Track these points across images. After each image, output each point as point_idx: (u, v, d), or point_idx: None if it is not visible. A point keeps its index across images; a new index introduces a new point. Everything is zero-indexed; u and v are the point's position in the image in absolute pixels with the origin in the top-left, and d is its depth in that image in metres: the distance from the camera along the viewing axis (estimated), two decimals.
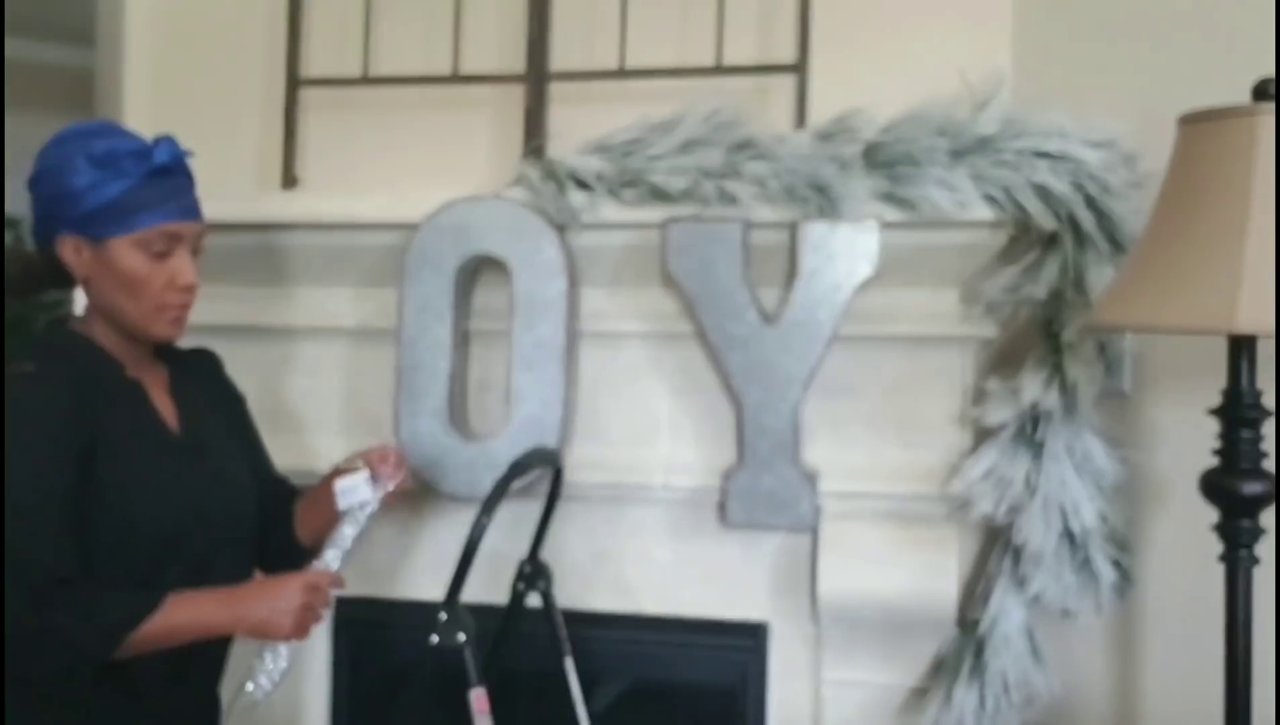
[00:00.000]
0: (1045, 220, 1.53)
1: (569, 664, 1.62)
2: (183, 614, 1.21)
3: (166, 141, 1.29)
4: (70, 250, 1.27)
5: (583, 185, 1.64)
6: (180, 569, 1.27)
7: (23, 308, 2.86)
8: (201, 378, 1.47)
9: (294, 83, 1.87)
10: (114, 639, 1.16)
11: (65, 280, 1.33)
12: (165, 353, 1.40)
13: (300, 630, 1.25)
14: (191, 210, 1.32)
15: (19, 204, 3.46)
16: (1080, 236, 1.54)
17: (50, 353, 1.29)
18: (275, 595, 1.25)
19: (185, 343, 1.67)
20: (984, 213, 1.55)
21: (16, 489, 1.16)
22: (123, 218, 1.25)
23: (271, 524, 1.47)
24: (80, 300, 1.38)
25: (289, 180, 1.87)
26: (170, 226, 1.28)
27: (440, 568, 1.81)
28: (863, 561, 1.65)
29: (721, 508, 1.67)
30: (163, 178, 1.28)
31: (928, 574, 1.63)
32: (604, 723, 1.74)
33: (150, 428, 1.31)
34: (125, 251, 1.26)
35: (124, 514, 1.24)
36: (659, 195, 1.63)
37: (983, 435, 1.63)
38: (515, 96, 1.80)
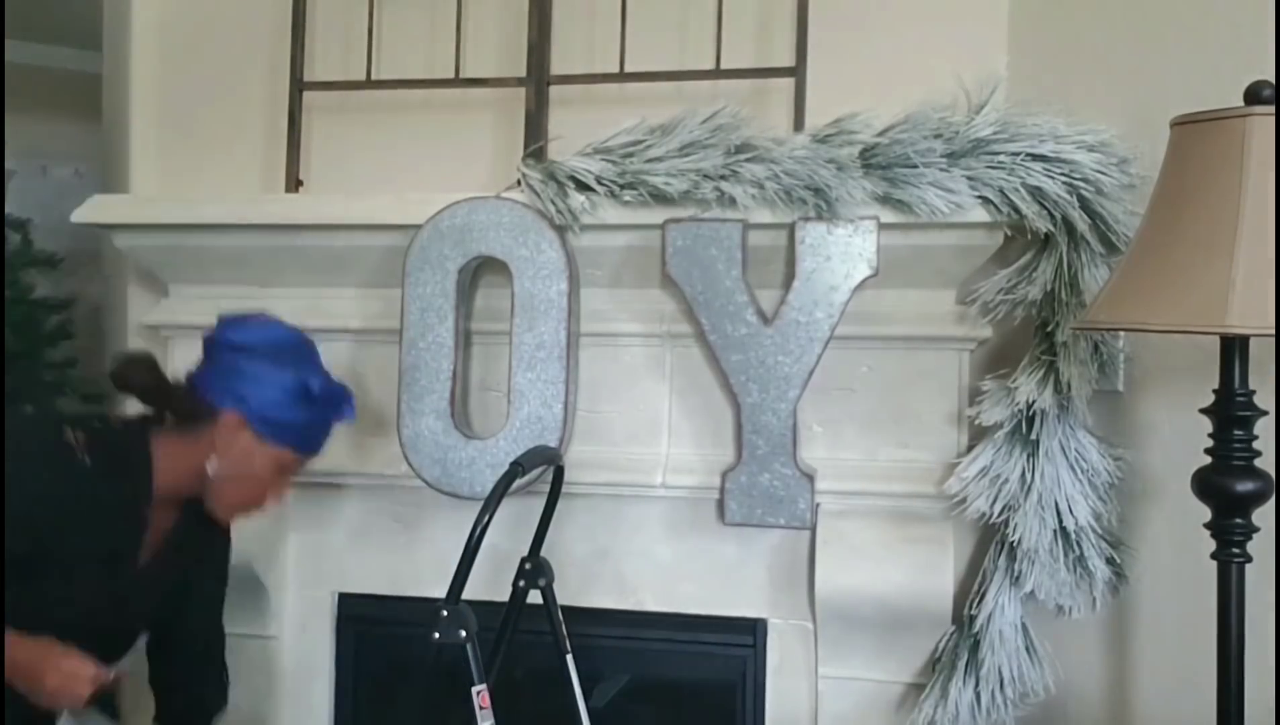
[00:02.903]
0: (1040, 222, 1.54)
1: (570, 660, 1.63)
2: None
3: (351, 402, 1.43)
4: (231, 426, 1.35)
5: (583, 187, 1.66)
6: (55, 633, 1.25)
7: (28, 307, 2.88)
8: (203, 543, 1.51)
9: (298, 86, 1.89)
10: None
11: (173, 412, 1.37)
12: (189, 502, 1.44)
13: (49, 701, 1.23)
14: (324, 446, 1.45)
15: (19, 204, 3.49)
16: (1074, 238, 1.55)
17: (111, 451, 1.32)
18: (68, 674, 1.23)
19: (186, 339, 1.70)
20: (979, 215, 1.57)
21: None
22: (292, 438, 1.38)
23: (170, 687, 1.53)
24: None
25: (293, 182, 1.89)
26: (309, 458, 1.42)
27: (442, 565, 1.83)
28: (860, 559, 1.66)
29: (720, 506, 1.69)
30: (332, 425, 1.43)
31: (924, 571, 1.65)
32: (604, 718, 1.76)
33: (120, 555, 1.35)
34: (268, 457, 1.37)
35: (37, 605, 1.26)
36: (659, 197, 1.64)
37: (978, 434, 1.64)
38: (516, 99, 1.82)
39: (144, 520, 1.36)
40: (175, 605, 1.47)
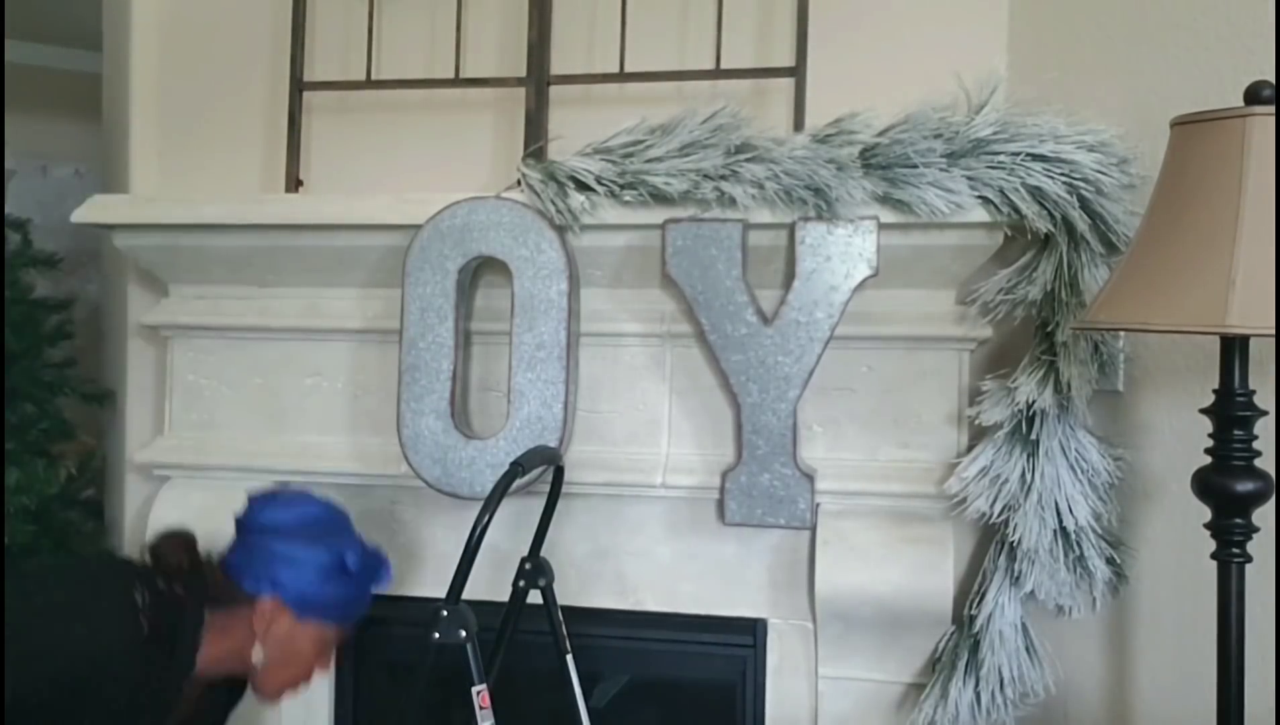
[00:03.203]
0: (1040, 222, 1.54)
1: (570, 660, 1.63)
2: None
3: (389, 567, 1.43)
4: (269, 611, 1.33)
5: (583, 187, 1.66)
6: None
7: (27, 307, 2.88)
8: (225, 705, 1.49)
9: (298, 86, 1.89)
10: None
11: (191, 582, 1.32)
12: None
13: None
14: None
15: (19, 204, 3.48)
16: (1074, 238, 1.55)
17: (171, 621, 1.28)
18: None
19: (186, 339, 1.69)
20: (979, 215, 1.57)
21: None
22: (333, 615, 1.38)
23: None
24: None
25: (293, 182, 1.89)
26: (350, 628, 1.42)
27: (442, 565, 1.83)
28: (859, 559, 1.66)
29: (720, 506, 1.69)
30: (368, 593, 1.42)
31: (924, 571, 1.65)
32: (604, 718, 1.76)
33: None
34: (313, 641, 1.37)
35: None
36: (659, 197, 1.64)
37: (978, 434, 1.65)
38: (516, 99, 1.82)
39: (181, 696, 1.32)
40: None
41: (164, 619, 1.28)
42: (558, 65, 1.81)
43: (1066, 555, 1.59)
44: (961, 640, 1.64)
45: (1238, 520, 1.30)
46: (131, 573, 1.30)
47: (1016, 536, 1.58)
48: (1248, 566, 1.30)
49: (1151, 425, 1.60)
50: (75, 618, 1.21)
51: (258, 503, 1.39)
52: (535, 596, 1.63)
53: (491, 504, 1.36)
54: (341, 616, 1.40)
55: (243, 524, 1.38)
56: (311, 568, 1.34)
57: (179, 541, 1.36)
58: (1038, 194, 1.54)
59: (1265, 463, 1.31)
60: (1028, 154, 1.53)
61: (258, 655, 1.34)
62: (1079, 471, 1.57)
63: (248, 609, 1.34)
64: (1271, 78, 1.26)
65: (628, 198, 1.65)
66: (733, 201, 1.62)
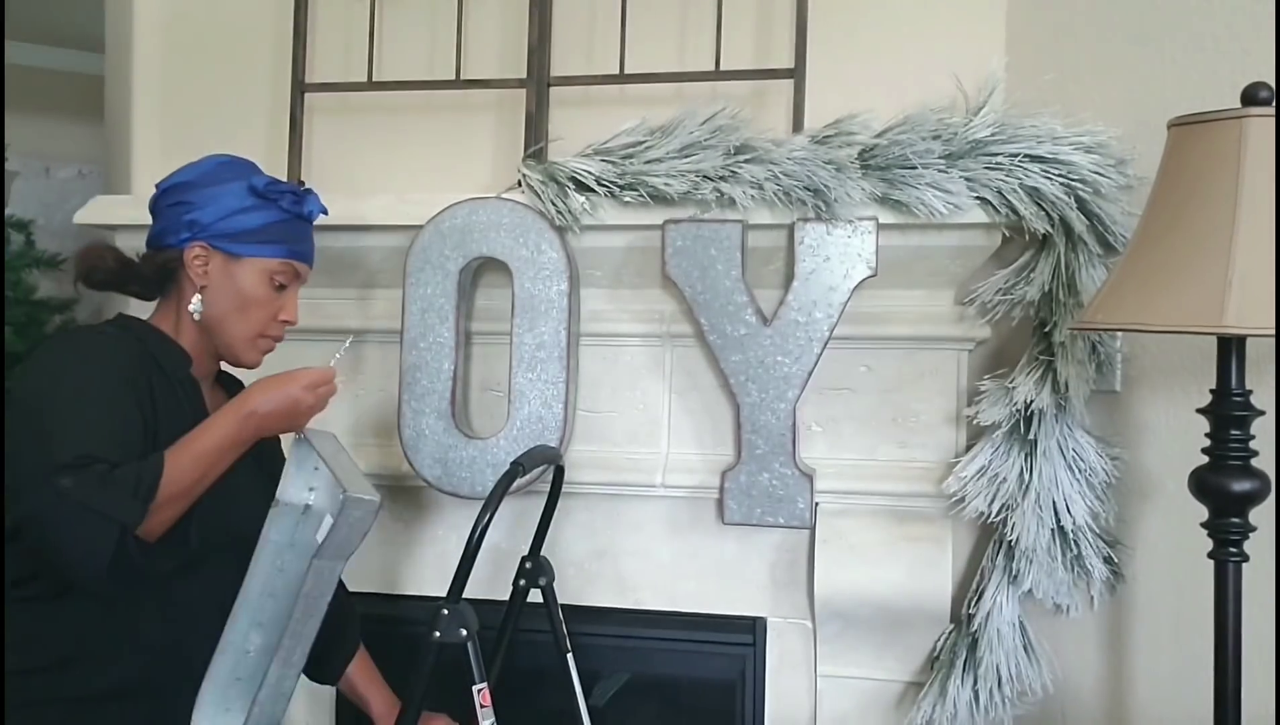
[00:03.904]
0: (1038, 223, 1.55)
1: (570, 659, 1.64)
2: (188, 452, 1.19)
3: (315, 196, 1.43)
4: (198, 258, 1.34)
5: (583, 188, 1.67)
6: (172, 562, 1.25)
7: (30, 308, 2.89)
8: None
9: (299, 87, 1.90)
10: (144, 499, 1.14)
11: (144, 284, 1.38)
12: (222, 378, 1.46)
13: (319, 403, 1.30)
14: (312, 256, 1.45)
15: (22, 205, 3.48)
16: (1072, 238, 1.56)
17: (124, 328, 1.34)
18: (275, 386, 1.27)
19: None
20: (977, 215, 1.57)
21: (65, 387, 1.19)
22: (264, 244, 1.36)
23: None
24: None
25: (294, 183, 1.89)
26: (298, 264, 1.40)
27: (443, 564, 1.84)
28: (859, 558, 1.67)
29: (720, 505, 1.69)
30: (304, 225, 1.42)
31: (923, 570, 1.65)
32: (604, 717, 1.76)
33: (195, 422, 1.30)
34: (253, 274, 1.36)
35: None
36: (658, 198, 1.65)
37: (977, 434, 1.65)
38: (517, 101, 1.82)
39: (191, 383, 1.34)
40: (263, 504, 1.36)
41: (134, 340, 1.30)
42: (558, 66, 1.82)
43: (1064, 554, 1.59)
44: (960, 639, 1.65)
45: (1235, 519, 1.31)
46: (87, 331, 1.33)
47: (1014, 535, 1.59)
48: (1245, 566, 1.31)
49: (1149, 425, 1.60)
50: (80, 367, 1.22)
51: (162, 182, 1.39)
52: (535, 595, 1.63)
53: (492, 503, 1.36)
54: (273, 242, 1.36)
55: (155, 202, 1.39)
56: (221, 202, 1.34)
57: (98, 248, 1.38)
58: (1036, 195, 1.54)
59: (1262, 462, 1.31)
60: (1026, 155, 1.54)
61: (198, 306, 1.34)
62: (1077, 471, 1.58)
63: (181, 270, 1.34)
64: (1269, 79, 1.26)
65: (628, 198, 1.66)
66: (732, 202, 1.62)
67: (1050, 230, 1.56)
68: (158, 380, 1.30)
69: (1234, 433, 1.31)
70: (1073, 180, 1.53)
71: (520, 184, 1.71)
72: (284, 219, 1.38)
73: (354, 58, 1.92)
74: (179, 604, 1.30)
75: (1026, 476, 1.58)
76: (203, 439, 1.22)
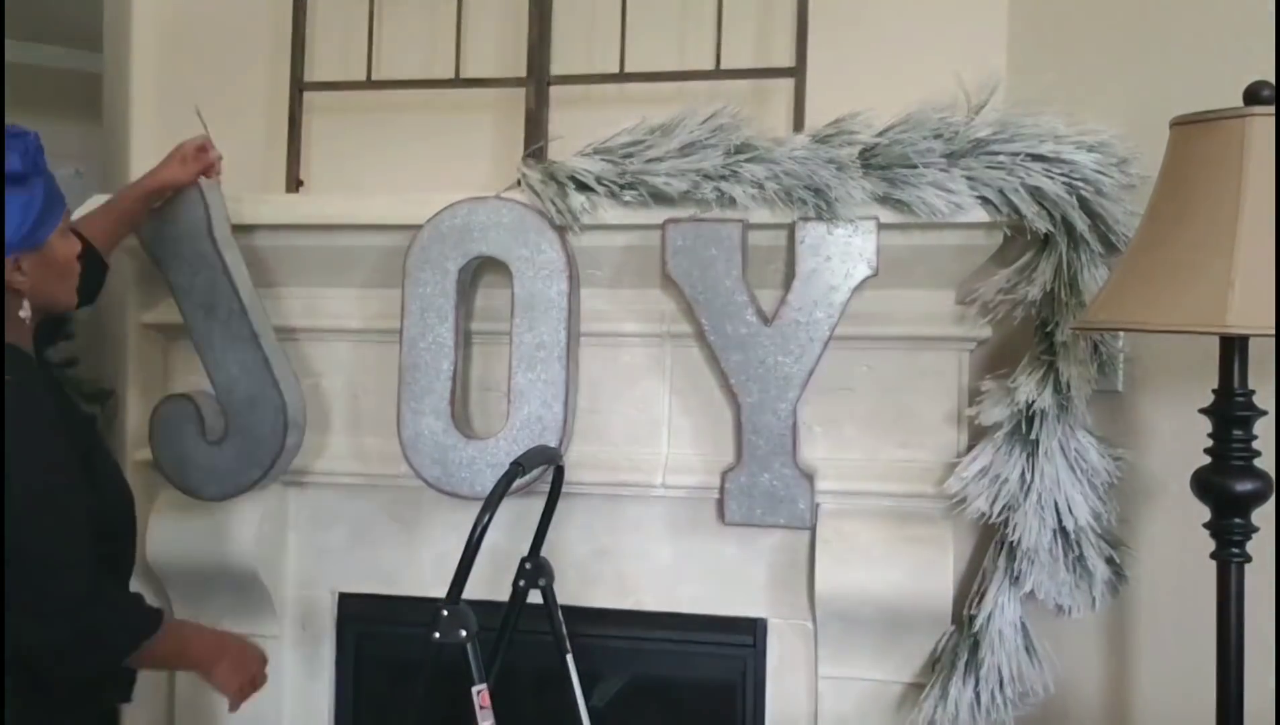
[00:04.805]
0: (1039, 222, 1.54)
1: (570, 660, 1.64)
2: (174, 640, 1.32)
3: (22, 136, 1.24)
4: (13, 270, 1.24)
5: (583, 187, 1.66)
6: (119, 548, 1.35)
7: None
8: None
9: (298, 86, 1.89)
10: (136, 642, 1.24)
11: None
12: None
13: (239, 695, 1.39)
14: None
15: None
16: (1074, 238, 1.55)
17: (14, 364, 1.25)
18: (242, 661, 1.39)
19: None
20: (979, 215, 1.57)
21: (41, 501, 1.18)
22: (53, 212, 1.26)
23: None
24: None
25: (293, 182, 1.89)
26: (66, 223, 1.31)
27: (442, 565, 1.83)
28: (859, 559, 1.66)
29: (720, 506, 1.69)
30: (43, 158, 1.26)
31: (924, 571, 1.65)
32: (604, 718, 1.76)
33: (87, 422, 1.38)
34: (58, 241, 1.28)
35: (112, 502, 1.32)
36: (659, 197, 1.65)
37: (978, 434, 1.65)
38: (517, 100, 1.82)
39: (45, 366, 1.36)
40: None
41: (19, 372, 1.24)
42: (558, 65, 1.81)
43: (1066, 555, 1.59)
44: (961, 640, 1.64)
45: (1237, 520, 1.31)
46: None
47: (1016, 536, 1.59)
48: (1247, 566, 1.31)
49: (1151, 425, 1.60)
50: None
51: None
52: (535, 596, 1.63)
53: (492, 504, 1.36)
54: (56, 202, 1.27)
55: None
56: (10, 216, 1.21)
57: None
58: (1037, 194, 1.54)
59: (1265, 463, 1.31)
60: (1027, 154, 1.53)
61: (27, 310, 1.27)
62: (1078, 471, 1.58)
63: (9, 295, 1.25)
64: (1271, 78, 1.26)
65: (628, 198, 1.66)
66: (733, 201, 1.62)
67: (1052, 229, 1.55)
68: (59, 396, 1.32)
69: (1236, 433, 1.31)
70: (1074, 179, 1.53)
71: (520, 183, 1.71)
72: (43, 176, 1.25)
73: (353, 56, 1.91)
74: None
75: (1028, 477, 1.57)
76: (182, 644, 1.36)
